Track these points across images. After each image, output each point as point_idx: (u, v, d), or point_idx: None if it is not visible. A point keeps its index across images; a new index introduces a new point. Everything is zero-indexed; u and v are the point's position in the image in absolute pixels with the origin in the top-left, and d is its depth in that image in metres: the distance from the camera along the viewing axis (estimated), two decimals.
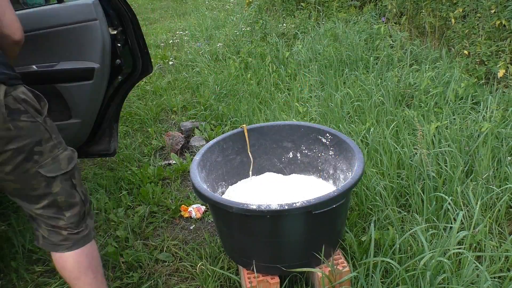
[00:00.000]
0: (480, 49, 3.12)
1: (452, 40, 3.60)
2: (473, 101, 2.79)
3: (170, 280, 1.88)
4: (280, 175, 2.01)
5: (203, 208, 2.33)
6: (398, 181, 2.14)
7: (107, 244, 2.06)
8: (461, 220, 1.79)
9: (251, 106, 3.31)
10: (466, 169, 2.19)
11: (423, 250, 1.61)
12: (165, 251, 2.04)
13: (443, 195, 1.91)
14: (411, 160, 2.21)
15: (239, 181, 1.98)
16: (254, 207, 1.40)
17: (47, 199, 1.34)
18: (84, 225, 1.42)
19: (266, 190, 1.86)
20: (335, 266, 1.57)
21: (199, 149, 2.10)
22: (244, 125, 1.93)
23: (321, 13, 4.99)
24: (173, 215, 2.32)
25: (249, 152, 1.96)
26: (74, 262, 1.40)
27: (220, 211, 1.55)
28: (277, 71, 3.88)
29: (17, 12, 1.63)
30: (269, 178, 1.98)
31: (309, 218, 1.46)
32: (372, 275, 1.57)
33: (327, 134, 1.88)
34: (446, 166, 2.14)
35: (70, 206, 1.37)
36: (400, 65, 3.44)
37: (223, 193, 1.90)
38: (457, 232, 1.65)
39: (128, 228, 2.18)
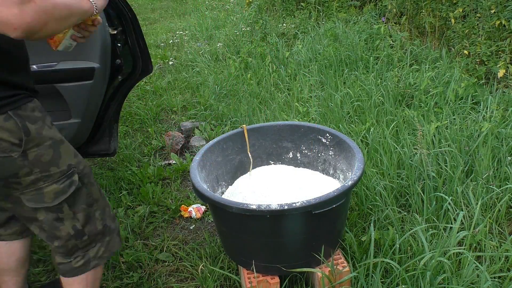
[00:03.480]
0: (480, 49, 3.12)
1: (452, 40, 3.60)
2: (473, 101, 2.79)
3: (170, 280, 1.88)
4: (291, 166, 2.01)
5: (203, 208, 2.33)
6: (398, 181, 2.14)
7: None
8: (461, 220, 1.79)
9: (251, 106, 3.31)
10: (466, 169, 2.19)
11: (423, 250, 1.61)
12: (165, 251, 2.04)
13: (443, 195, 1.91)
14: (411, 160, 2.21)
15: (240, 177, 1.98)
16: (254, 207, 1.40)
17: (36, 223, 1.29)
18: (79, 255, 1.35)
19: (267, 185, 1.86)
20: (335, 266, 1.57)
21: (199, 149, 2.10)
22: (244, 125, 1.93)
23: (321, 13, 4.99)
24: (173, 215, 2.32)
25: (248, 152, 1.96)
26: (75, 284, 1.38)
27: (220, 211, 1.55)
28: (277, 71, 3.88)
29: None
30: (273, 170, 1.98)
31: (309, 218, 1.46)
32: (372, 275, 1.57)
33: (327, 134, 1.88)
34: (446, 166, 2.14)
35: (55, 237, 1.31)
36: (400, 65, 3.44)
37: (223, 193, 1.90)
38: (457, 232, 1.65)
39: (128, 228, 2.18)
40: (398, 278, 1.55)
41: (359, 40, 3.93)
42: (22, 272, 1.59)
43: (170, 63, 4.84)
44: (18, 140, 1.14)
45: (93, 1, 1.18)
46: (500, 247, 1.74)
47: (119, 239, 1.46)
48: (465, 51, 3.29)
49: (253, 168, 2.00)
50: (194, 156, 2.10)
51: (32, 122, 1.17)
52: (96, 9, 1.18)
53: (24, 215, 1.29)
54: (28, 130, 1.15)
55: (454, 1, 3.56)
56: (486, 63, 3.09)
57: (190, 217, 2.30)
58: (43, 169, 1.21)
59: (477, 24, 3.24)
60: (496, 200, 1.98)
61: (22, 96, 1.16)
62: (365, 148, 2.43)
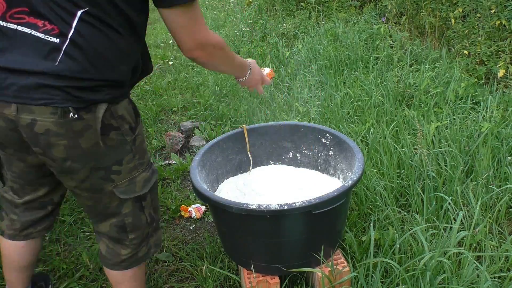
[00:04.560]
0: (480, 49, 3.12)
1: (452, 40, 3.60)
2: (473, 101, 2.79)
3: (170, 280, 1.88)
4: (291, 166, 2.01)
5: (203, 208, 2.33)
6: (398, 181, 2.14)
7: None
8: (461, 220, 1.79)
9: (251, 106, 3.31)
10: (466, 169, 2.19)
11: (423, 250, 1.61)
12: (165, 251, 2.04)
13: (443, 195, 1.91)
14: (411, 160, 2.21)
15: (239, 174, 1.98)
16: (254, 207, 1.40)
17: (115, 218, 1.33)
18: (145, 244, 1.42)
19: (267, 185, 1.86)
20: (335, 266, 1.56)
21: (199, 149, 2.10)
22: (244, 125, 1.93)
23: (321, 13, 5.00)
24: (173, 215, 2.32)
25: (248, 152, 1.96)
26: (123, 280, 1.43)
27: (220, 211, 1.55)
28: (277, 71, 3.88)
29: None
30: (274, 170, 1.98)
31: (309, 218, 1.46)
32: (372, 275, 1.57)
33: (327, 134, 1.88)
34: (446, 166, 2.14)
35: (135, 228, 1.36)
36: (400, 65, 3.44)
37: (221, 190, 1.90)
38: (457, 232, 1.65)
39: None
40: (398, 278, 1.55)
41: (359, 40, 3.94)
42: (33, 268, 1.62)
43: (170, 63, 4.84)
44: (134, 124, 1.25)
45: (250, 68, 1.59)
46: (500, 247, 1.74)
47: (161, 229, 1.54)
48: (465, 51, 3.29)
49: (253, 168, 2.00)
50: (194, 156, 2.10)
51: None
52: (246, 76, 1.58)
53: (106, 212, 1.32)
54: (139, 115, 1.29)
55: (454, 1, 3.57)
56: (486, 63, 3.09)
57: (190, 217, 2.30)
58: (141, 156, 1.30)
59: (477, 24, 3.24)
60: (496, 200, 1.98)
61: (129, 88, 1.29)
62: (365, 148, 2.43)
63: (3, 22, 1.08)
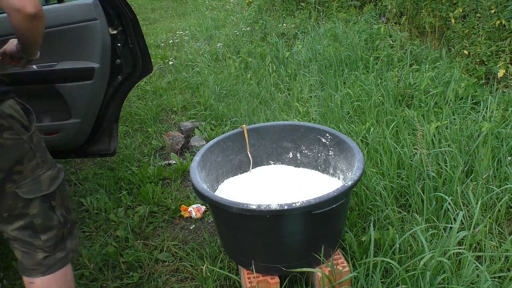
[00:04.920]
0: (480, 49, 3.12)
1: (452, 40, 3.60)
2: (473, 101, 2.79)
3: (170, 280, 1.88)
4: (291, 166, 2.01)
5: (203, 208, 2.33)
6: (398, 181, 2.14)
7: (107, 244, 2.06)
8: (461, 220, 1.79)
9: (251, 106, 3.31)
10: (466, 169, 2.19)
11: (423, 250, 1.61)
12: (165, 251, 2.04)
13: (443, 195, 1.90)
14: (411, 160, 2.21)
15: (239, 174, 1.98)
16: (254, 207, 1.40)
17: (23, 220, 1.27)
18: (62, 247, 1.35)
19: (267, 185, 1.86)
20: (335, 266, 1.56)
21: (199, 149, 2.10)
22: (244, 125, 1.93)
23: (321, 13, 4.99)
24: (173, 215, 2.32)
25: (248, 153, 1.96)
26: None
27: (220, 211, 1.55)
28: (277, 71, 3.88)
29: None
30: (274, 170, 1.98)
31: (309, 218, 1.46)
32: (372, 275, 1.57)
33: (327, 134, 1.88)
34: (446, 166, 2.14)
35: (47, 229, 1.30)
36: (400, 65, 3.44)
37: (221, 190, 1.90)
38: (457, 232, 1.65)
39: (128, 228, 2.18)
40: (398, 278, 1.55)
41: (359, 40, 3.93)
42: None
43: (170, 63, 4.84)
44: (27, 122, 1.22)
45: None
46: (500, 247, 1.74)
47: (78, 235, 1.47)
48: (465, 51, 3.29)
49: (253, 168, 2.00)
50: (194, 156, 2.10)
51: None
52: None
53: (13, 213, 1.26)
54: (32, 113, 1.25)
55: (454, 1, 3.56)
56: (486, 63, 3.09)
57: (190, 217, 2.30)
58: (42, 154, 1.27)
59: (477, 24, 3.24)
60: (496, 200, 1.98)
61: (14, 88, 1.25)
62: (365, 148, 2.43)
63: None
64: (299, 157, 2.00)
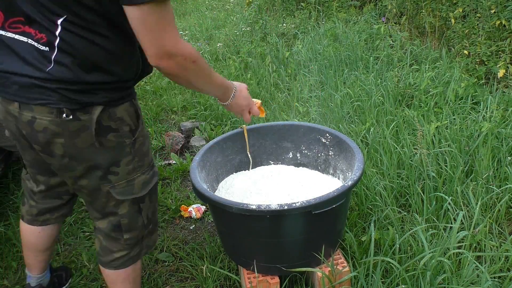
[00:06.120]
0: (480, 49, 3.12)
1: (452, 40, 3.60)
2: (473, 101, 2.79)
3: (170, 280, 1.88)
4: (291, 166, 2.01)
5: (203, 208, 2.33)
6: (398, 181, 2.14)
7: None
8: (461, 220, 1.79)
9: None
10: (466, 169, 2.19)
11: (423, 250, 1.61)
12: (165, 251, 2.04)
13: (443, 195, 1.91)
14: (411, 160, 2.21)
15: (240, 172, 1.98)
16: (254, 207, 1.40)
17: (112, 217, 1.34)
18: (138, 246, 1.42)
19: (267, 184, 1.86)
20: (335, 266, 1.57)
21: (199, 149, 2.10)
22: (244, 125, 1.93)
23: (321, 13, 5.00)
24: (173, 215, 2.32)
25: (248, 153, 1.96)
26: (119, 281, 1.44)
27: (220, 211, 1.55)
28: (277, 71, 3.88)
29: None
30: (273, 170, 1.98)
31: (309, 218, 1.46)
32: (372, 275, 1.57)
33: (327, 134, 1.88)
34: (446, 166, 2.14)
35: (131, 229, 1.37)
36: (400, 65, 3.44)
37: (219, 190, 1.90)
38: (457, 232, 1.65)
39: None
40: (398, 278, 1.55)
41: (359, 40, 3.94)
42: (50, 253, 1.68)
43: None
44: (135, 126, 1.25)
45: (234, 92, 1.48)
46: (500, 247, 1.74)
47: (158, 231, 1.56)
48: (465, 51, 3.29)
49: (252, 168, 2.00)
50: (194, 156, 2.10)
51: (140, 111, 1.30)
52: (230, 100, 1.48)
53: (104, 211, 1.33)
54: (141, 119, 1.30)
55: (454, 1, 3.57)
56: (486, 63, 3.09)
57: (190, 217, 2.30)
58: (141, 158, 1.30)
59: (477, 24, 3.24)
60: (496, 200, 1.98)
61: (134, 89, 1.29)
62: (365, 148, 2.43)
63: (3, 32, 1.13)
64: (299, 157, 2.00)
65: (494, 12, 3.03)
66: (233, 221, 1.55)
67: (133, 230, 1.38)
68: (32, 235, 1.58)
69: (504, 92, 2.85)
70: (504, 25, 3.00)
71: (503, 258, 1.66)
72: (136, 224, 1.37)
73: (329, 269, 1.56)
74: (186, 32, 6.09)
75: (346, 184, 1.48)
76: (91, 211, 1.38)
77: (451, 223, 1.80)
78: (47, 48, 1.08)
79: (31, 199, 1.51)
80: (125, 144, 1.24)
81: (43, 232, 1.57)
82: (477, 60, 3.16)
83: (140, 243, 1.43)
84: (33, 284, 1.67)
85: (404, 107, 2.87)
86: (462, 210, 1.81)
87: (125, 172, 1.27)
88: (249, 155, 1.97)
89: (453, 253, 1.63)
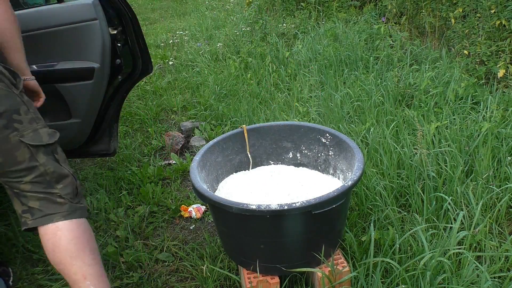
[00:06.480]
0: (480, 49, 3.12)
1: (452, 40, 3.60)
2: (473, 101, 2.79)
3: (170, 280, 1.88)
4: (291, 166, 2.01)
5: (203, 208, 2.33)
6: (398, 181, 2.14)
7: (107, 244, 2.06)
8: (461, 220, 1.79)
9: (251, 106, 3.31)
10: (466, 169, 2.19)
11: (423, 250, 1.61)
12: (165, 251, 2.04)
13: (443, 195, 1.91)
14: (411, 160, 2.21)
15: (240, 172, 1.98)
16: (254, 207, 1.40)
17: (35, 171, 1.28)
18: (80, 199, 1.36)
19: (267, 184, 1.86)
20: (335, 266, 1.57)
21: (199, 149, 2.10)
22: (244, 125, 1.93)
23: (321, 13, 5.00)
24: (173, 215, 2.32)
25: (248, 153, 1.96)
26: (71, 236, 1.27)
27: (220, 211, 1.55)
28: (277, 71, 3.88)
29: (17, 12, 1.63)
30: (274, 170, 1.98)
31: (309, 218, 1.46)
32: (372, 275, 1.57)
33: (327, 134, 1.88)
34: (446, 166, 2.14)
35: (61, 177, 1.32)
36: (400, 65, 3.44)
37: (219, 190, 1.90)
38: (457, 232, 1.65)
39: (128, 228, 2.18)
40: (398, 278, 1.55)
41: (359, 40, 3.94)
42: None
43: (170, 63, 4.84)
44: (14, 81, 1.31)
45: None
46: (500, 247, 1.74)
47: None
48: (465, 51, 3.29)
49: (252, 168, 2.00)
50: (194, 156, 2.10)
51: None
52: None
53: (21, 167, 1.27)
54: (18, 76, 1.35)
55: (454, 1, 3.57)
56: (486, 63, 3.09)
57: (190, 217, 2.30)
58: (35, 111, 1.35)
59: (477, 24, 3.24)
60: (496, 200, 1.98)
61: None
62: (365, 148, 2.43)
63: None
64: (299, 157, 2.00)
65: (494, 12, 3.03)
66: (233, 221, 1.55)
67: (64, 177, 1.32)
68: None
69: (504, 92, 2.85)
70: (504, 25, 3.00)
71: (503, 258, 1.66)
72: (63, 171, 1.32)
73: (329, 269, 1.56)
74: (186, 32, 6.10)
75: (346, 184, 1.48)
76: (9, 176, 1.27)
77: (451, 223, 1.80)
78: None
79: None
80: (13, 93, 1.28)
81: None
82: (477, 60, 3.16)
83: (79, 197, 1.36)
84: None
85: (404, 107, 2.87)
86: (462, 210, 1.81)
87: (27, 120, 1.29)
88: (249, 155, 1.97)
89: (453, 253, 1.63)
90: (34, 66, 1.88)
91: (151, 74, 2.66)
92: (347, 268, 1.59)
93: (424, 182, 2.05)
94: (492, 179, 2.08)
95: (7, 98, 1.26)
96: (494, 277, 1.60)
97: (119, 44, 1.98)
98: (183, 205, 2.35)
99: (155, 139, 3.16)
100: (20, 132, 1.26)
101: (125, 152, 2.93)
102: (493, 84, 2.96)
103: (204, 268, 1.80)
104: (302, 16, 4.94)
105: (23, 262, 2.01)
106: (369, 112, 2.80)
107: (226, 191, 1.83)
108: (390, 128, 2.51)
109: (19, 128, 1.26)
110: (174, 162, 2.82)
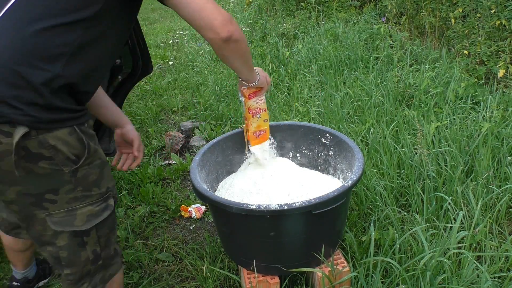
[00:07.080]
0: (480, 49, 3.12)
1: (452, 40, 3.60)
2: (473, 101, 2.79)
3: (170, 280, 1.88)
4: (292, 162, 2.01)
5: (203, 208, 2.33)
6: (398, 181, 2.14)
7: None
8: (461, 220, 1.79)
9: None
10: (466, 169, 2.19)
11: (423, 250, 1.61)
12: (165, 251, 2.04)
13: (443, 195, 1.91)
14: (411, 160, 2.21)
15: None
16: (254, 207, 1.40)
17: (50, 248, 1.20)
18: (87, 280, 1.27)
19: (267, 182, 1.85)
20: (335, 266, 1.57)
21: (199, 149, 2.10)
22: (244, 126, 1.93)
23: (321, 13, 5.00)
24: (173, 215, 2.32)
25: (248, 153, 1.96)
26: None
27: (220, 211, 1.55)
28: (277, 71, 3.88)
29: None
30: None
31: (309, 218, 1.46)
32: (372, 275, 1.57)
33: (327, 134, 1.88)
34: (446, 166, 2.14)
35: (71, 263, 1.22)
36: (400, 65, 3.44)
37: (219, 190, 1.90)
38: (457, 232, 1.65)
39: (128, 228, 2.18)
40: (398, 278, 1.55)
41: (359, 40, 3.94)
42: (31, 249, 1.70)
43: (170, 63, 4.84)
44: (75, 157, 1.10)
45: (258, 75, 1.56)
46: (500, 247, 1.74)
47: (121, 261, 1.39)
48: (465, 51, 3.29)
49: (252, 168, 1.99)
50: (194, 156, 2.10)
51: (91, 140, 1.14)
52: (256, 81, 1.57)
53: (41, 239, 1.19)
54: (90, 148, 1.12)
55: (454, 1, 3.57)
56: (486, 63, 3.09)
57: (190, 217, 2.30)
58: (86, 188, 1.16)
59: (477, 24, 3.24)
60: (496, 200, 1.99)
61: (86, 112, 1.13)
62: (365, 148, 2.43)
63: None
64: (299, 157, 2.00)
65: (494, 12, 3.03)
66: (233, 221, 1.55)
67: (74, 265, 1.22)
68: (9, 240, 1.58)
69: (504, 92, 2.85)
70: (504, 25, 3.00)
71: (503, 258, 1.66)
72: (77, 259, 1.21)
73: (329, 269, 1.56)
74: (186, 32, 6.10)
75: (346, 184, 1.48)
76: (31, 237, 1.23)
77: (451, 223, 1.80)
78: None
79: (2, 212, 1.43)
80: (62, 172, 1.09)
81: (19, 240, 1.56)
82: (477, 60, 3.16)
83: (88, 279, 1.27)
84: (18, 277, 1.73)
85: (404, 107, 2.87)
86: (462, 210, 1.81)
87: (65, 200, 1.13)
88: (249, 155, 1.97)
89: (453, 253, 1.63)
90: None
91: (151, 74, 2.66)
92: (347, 268, 1.59)
93: (424, 182, 2.05)
94: (492, 179, 2.08)
95: (48, 177, 1.09)
96: (494, 277, 1.60)
97: None
98: (183, 205, 2.35)
99: (155, 139, 3.16)
100: (49, 211, 1.13)
101: None
102: (493, 84, 2.96)
103: (204, 268, 1.80)
104: (302, 16, 4.95)
105: None
106: (369, 112, 2.80)
107: (226, 191, 1.83)
108: (390, 128, 2.51)
109: (49, 207, 1.13)
110: (174, 162, 2.82)
